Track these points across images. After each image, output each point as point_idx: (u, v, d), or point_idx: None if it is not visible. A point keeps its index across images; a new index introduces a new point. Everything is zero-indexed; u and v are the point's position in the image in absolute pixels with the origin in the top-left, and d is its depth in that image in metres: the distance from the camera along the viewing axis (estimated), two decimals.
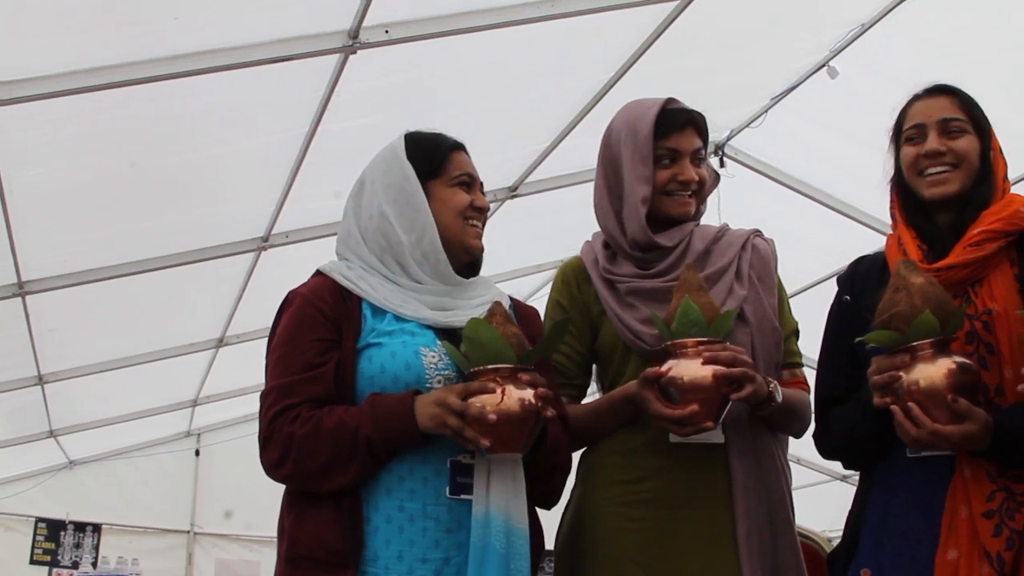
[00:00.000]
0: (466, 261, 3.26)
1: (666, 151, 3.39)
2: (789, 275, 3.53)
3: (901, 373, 2.82)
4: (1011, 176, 3.18)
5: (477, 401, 2.89)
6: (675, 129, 3.39)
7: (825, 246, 8.35)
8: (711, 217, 3.61)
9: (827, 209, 8.36)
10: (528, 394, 2.92)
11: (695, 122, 3.44)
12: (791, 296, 3.60)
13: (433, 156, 3.22)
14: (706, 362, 3.01)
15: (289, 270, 3.46)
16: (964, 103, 3.15)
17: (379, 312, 3.12)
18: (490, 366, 2.94)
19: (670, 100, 3.46)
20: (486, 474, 3.02)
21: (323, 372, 3.00)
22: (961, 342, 2.93)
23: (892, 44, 6.73)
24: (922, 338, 2.80)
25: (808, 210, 8.39)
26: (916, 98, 3.21)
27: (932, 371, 2.80)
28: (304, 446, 2.92)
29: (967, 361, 2.83)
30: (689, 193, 3.41)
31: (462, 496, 3.01)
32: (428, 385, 3.02)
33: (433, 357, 3.06)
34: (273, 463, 2.98)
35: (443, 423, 2.90)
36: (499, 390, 2.90)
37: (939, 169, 3.10)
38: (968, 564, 2.83)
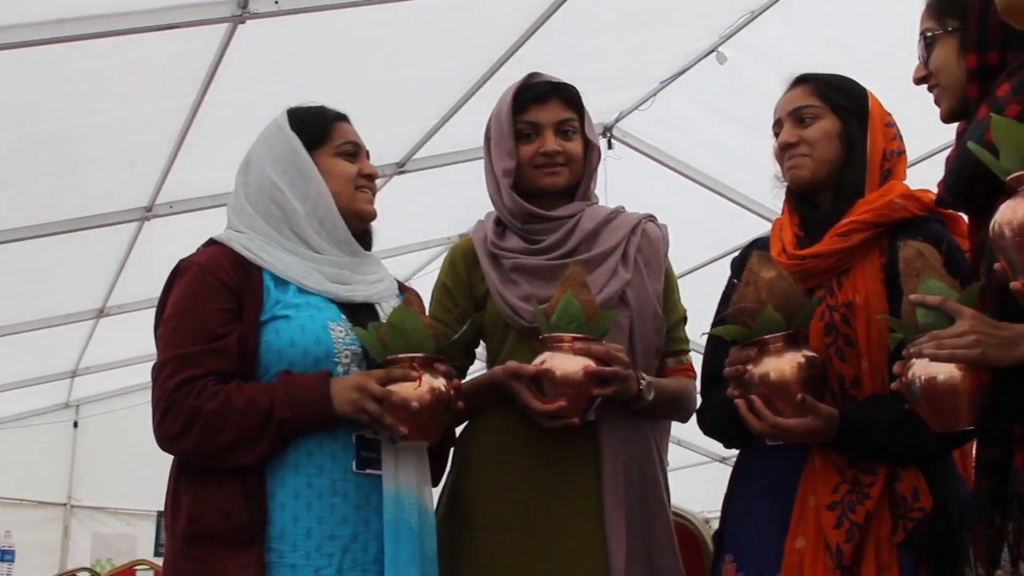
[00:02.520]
0: (360, 228, 3.24)
1: (527, 124, 3.40)
2: (673, 258, 3.55)
3: (749, 366, 2.88)
4: None
5: (397, 388, 2.91)
6: (533, 102, 3.40)
7: (710, 230, 8.44)
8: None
9: (712, 193, 8.45)
10: (443, 383, 2.96)
11: (560, 94, 3.43)
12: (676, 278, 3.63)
13: (317, 126, 3.20)
14: (579, 357, 3.06)
15: (173, 241, 3.42)
16: (819, 89, 3.19)
17: (282, 283, 3.07)
18: (405, 354, 2.96)
19: (533, 75, 3.47)
20: (394, 451, 3.03)
21: (227, 344, 2.95)
22: (819, 333, 2.99)
23: (781, 32, 6.82)
24: (766, 333, 2.86)
25: (694, 194, 8.47)
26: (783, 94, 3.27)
27: (778, 365, 2.86)
28: (211, 422, 2.86)
29: (814, 355, 2.90)
30: (557, 164, 3.40)
31: (368, 471, 3.01)
32: (336, 360, 3.01)
33: (340, 332, 3.05)
34: (173, 435, 2.90)
35: (361, 408, 2.90)
36: (418, 378, 2.92)
37: (794, 159, 3.15)
38: (813, 553, 2.89)
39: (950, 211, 3.05)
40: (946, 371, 2.54)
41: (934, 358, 2.54)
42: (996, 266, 2.31)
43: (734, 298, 2.95)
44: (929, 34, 2.81)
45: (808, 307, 2.92)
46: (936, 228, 2.99)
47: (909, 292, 2.68)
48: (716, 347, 3.18)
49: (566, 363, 3.05)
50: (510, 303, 3.33)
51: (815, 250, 3.05)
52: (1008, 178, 2.28)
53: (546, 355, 3.08)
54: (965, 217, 2.98)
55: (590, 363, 3.05)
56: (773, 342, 2.87)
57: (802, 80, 3.23)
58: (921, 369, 2.57)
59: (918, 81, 2.86)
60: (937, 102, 2.84)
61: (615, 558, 3.17)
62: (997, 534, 2.59)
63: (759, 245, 3.26)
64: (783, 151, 3.18)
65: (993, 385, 2.55)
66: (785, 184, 3.25)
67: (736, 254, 3.39)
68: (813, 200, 3.18)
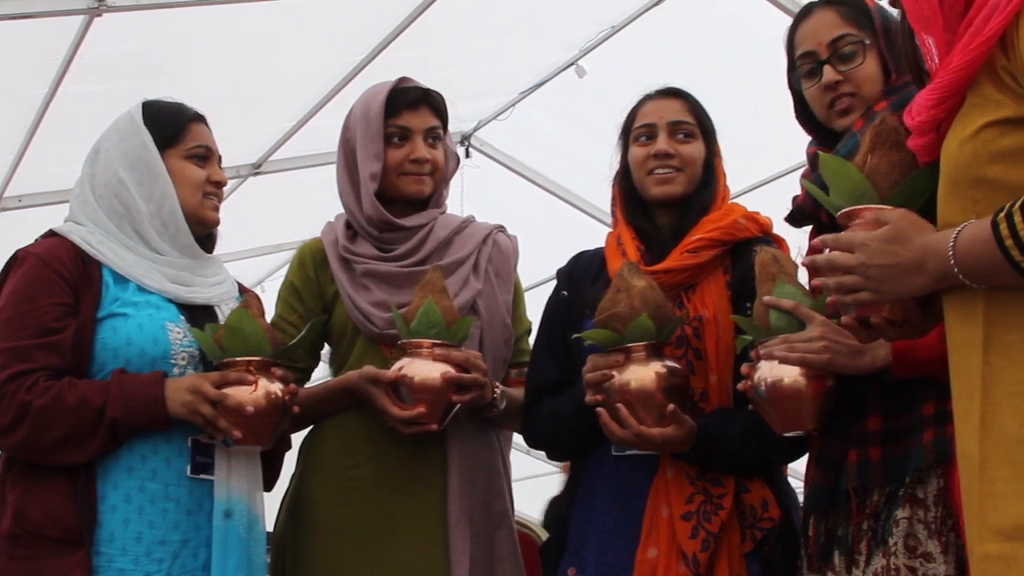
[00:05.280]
0: (203, 233, 3.21)
1: (397, 129, 3.38)
2: (527, 268, 3.57)
3: (614, 372, 2.90)
4: (745, 183, 3.28)
5: (232, 391, 2.89)
6: (406, 107, 3.39)
7: (565, 241, 8.43)
8: (454, 205, 3.63)
9: (568, 205, 8.49)
10: (278, 388, 2.96)
11: (430, 101, 3.43)
12: (528, 289, 3.65)
13: (171, 125, 3.16)
14: (438, 363, 3.06)
15: (21, 235, 3.34)
16: (694, 108, 3.22)
17: (121, 280, 3.03)
18: (242, 358, 2.95)
19: (403, 79, 3.46)
20: (227, 457, 3.02)
21: (61, 339, 2.90)
22: (671, 346, 3.02)
23: (640, 48, 6.88)
24: (637, 340, 2.89)
25: (549, 205, 8.51)
26: (648, 98, 3.27)
27: (643, 373, 2.89)
28: (41, 418, 2.82)
29: (678, 366, 2.94)
30: (424, 173, 3.40)
31: (202, 476, 2.98)
32: (173, 362, 2.99)
33: (178, 333, 3.02)
34: (0, 430, 2.85)
35: (196, 411, 2.88)
36: (254, 382, 2.91)
37: (666, 170, 3.15)
38: (666, 563, 2.92)
39: (779, 236, 3.13)
40: (792, 374, 2.62)
41: (784, 360, 2.62)
42: (828, 301, 2.36)
43: (602, 304, 2.95)
44: (865, 40, 2.83)
45: (676, 318, 2.96)
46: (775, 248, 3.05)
47: (763, 295, 2.74)
48: (545, 359, 3.23)
49: (425, 369, 3.06)
50: (361, 308, 3.32)
51: (666, 266, 3.08)
52: (837, 214, 2.33)
53: (405, 361, 3.09)
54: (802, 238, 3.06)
55: (449, 369, 3.06)
56: (639, 350, 2.89)
57: (678, 93, 3.25)
58: (768, 371, 2.65)
59: (831, 85, 2.84)
60: (845, 111, 2.84)
61: (458, 568, 3.19)
62: (829, 531, 2.67)
63: (583, 259, 3.31)
64: (656, 159, 3.16)
65: (835, 392, 2.64)
66: (613, 183, 3.29)
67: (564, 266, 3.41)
68: (650, 214, 3.22)
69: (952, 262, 1.99)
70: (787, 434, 2.71)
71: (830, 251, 2.26)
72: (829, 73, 2.84)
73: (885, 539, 2.51)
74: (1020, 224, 1.86)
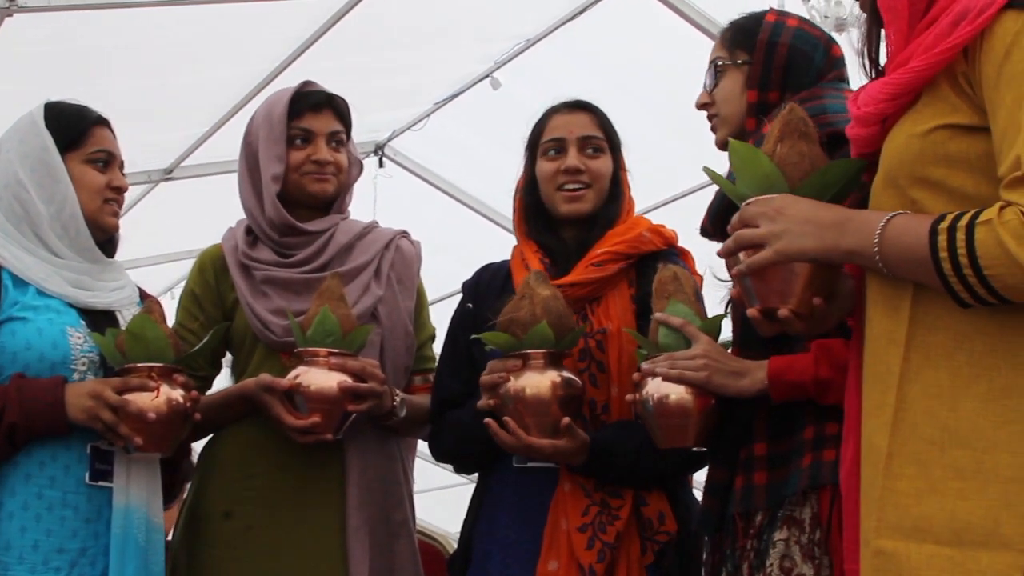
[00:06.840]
0: (102, 238, 3.17)
1: (300, 131, 3.35)
2: (439, 279, 3.57)
3: (510, 376, 2.90)
4: (659, 197, 3.29)
5: (133, 398, 2.86)
6: (309, 109, 3.36)
7: (477, 253, 8.42)
8: (366, 215, 3.61)
9: (480, 216, 8.51)
10: (180, 394, 2.93)
11: (333, 105, 3.41)
12: (440, 300, 3.64)
13: (73, 128, 3.11)
14: (334, 372, 3.04)
15: None
16: (602, 122, 3.23)
17: (21, 284, 2.99)
18: (144, 364, 2.92)
19: (306, 83, 3.45)
20: (126, 464, 2.97)
21: None
22: (574, 358, 3.04)
23: (554, 61, 6.93)
24: (536, 347, 2.90)
25: (462, 216, 8.52)
26: (555, 111, 3.27)
27: (539, 380, 2.89)
28: None
29: (574, 377, 2.95)
30: (327, 173, 3.37)
31: (100, 483, 2.94)
32: (72, 367, 2.94)
33: (79, 338, 2.98)
34: None
35: (96, 416, 2.84)
36: (156, 389, 2.88)
37: (575, 186, 3.16)
38: (567, 575, 2.93)
39: (684, 249, 3.16)
40: (678, 392, 2.66)
41: (665, 377, 2.66)
42: (731, 292, 2.37)
43: (505, 309, 2.96)
44: (720, 63, 2.86)
45: (577, 330, 2.97)
46: (679, 262, 3.08)
47: (657, 311, 2.76)
48: (450, 371, 3.23)
49: (321, 378, 3.04)
50: (260, 316, 3.29)
51: (571, 279, 3.09)
52: (743, 204, 2.27)
53: (300, 369, 3.06)
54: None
55: (345, 379, 3.03)
56: (539, 357, 2.90)
57: (586, 107, 3.25)
58: (655, 387, 2.69)
59: (700, 107, 2.92)
60: (714, 130, 2.91)
61: None
62: (720, 554, 2.69)
63: (489, 272, 3.32)
64: (566, 174, 3.17)
65: (717, 411, 2.68)
66: (515, 195, 3.31)
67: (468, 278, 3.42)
68: (554, 228, 3.23)
69: (876, 240, 1.98)
70: (668, 448, 2.74)
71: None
72: (700, 96, 2.93)
73: (764, 560, 2.54)
74: (961, 242, 1.86)
